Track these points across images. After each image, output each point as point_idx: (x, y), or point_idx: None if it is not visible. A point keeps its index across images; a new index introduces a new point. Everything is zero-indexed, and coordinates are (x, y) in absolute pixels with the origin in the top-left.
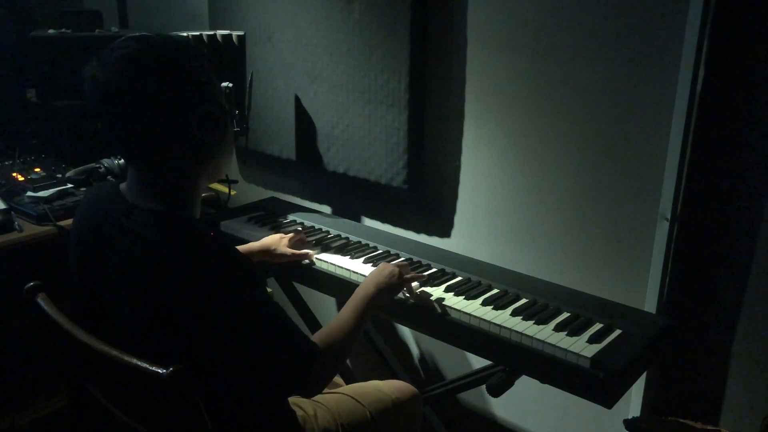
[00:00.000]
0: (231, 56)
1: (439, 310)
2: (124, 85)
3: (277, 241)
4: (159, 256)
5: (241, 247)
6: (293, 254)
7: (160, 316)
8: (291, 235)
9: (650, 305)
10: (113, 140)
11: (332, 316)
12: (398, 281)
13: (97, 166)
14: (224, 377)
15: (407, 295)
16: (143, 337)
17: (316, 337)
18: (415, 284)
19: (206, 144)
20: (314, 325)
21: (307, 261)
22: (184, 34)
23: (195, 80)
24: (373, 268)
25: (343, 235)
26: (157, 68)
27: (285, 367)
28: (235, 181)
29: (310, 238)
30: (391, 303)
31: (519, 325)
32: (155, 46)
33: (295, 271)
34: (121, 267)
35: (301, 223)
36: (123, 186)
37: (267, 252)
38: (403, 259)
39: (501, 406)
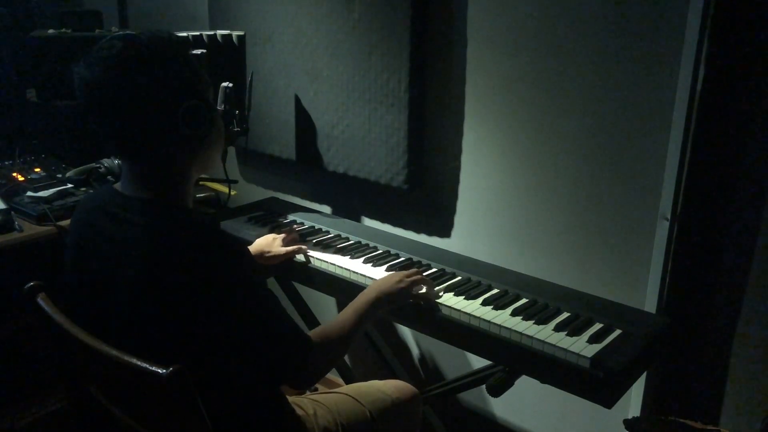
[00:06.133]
0: (231, 56)
1: (439, 310)
2: (110, 84)
3: (270, 242)
4: (150, 241)
5: None
6: (287, 252)
7: (156, 301)
8: (284, 234)
9: (650, 305)
10: (102, 136)
11: (332, 317)
12: (404, 290)
13: (97, 166)
14: (217, 364)
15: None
16: (140, 325)
17: (313, 332)
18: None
19: (193, 138)
20: (314, 325)
21: (302, 258)
22: (184, 33)
23: (179, 77)
24: (374, 269)
25: (343, 235)
26: (141, 67)
27: (277, 355)
28: (235, 181)
29: (309, 238)
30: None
31: (519, 325)
32: (139, 45)
33: (295, 271)
34: (116, 256)
35: (301, 223)
36: (118, 184)
37: (261, 256)
38: (403, 259)
39: (501, 406)
